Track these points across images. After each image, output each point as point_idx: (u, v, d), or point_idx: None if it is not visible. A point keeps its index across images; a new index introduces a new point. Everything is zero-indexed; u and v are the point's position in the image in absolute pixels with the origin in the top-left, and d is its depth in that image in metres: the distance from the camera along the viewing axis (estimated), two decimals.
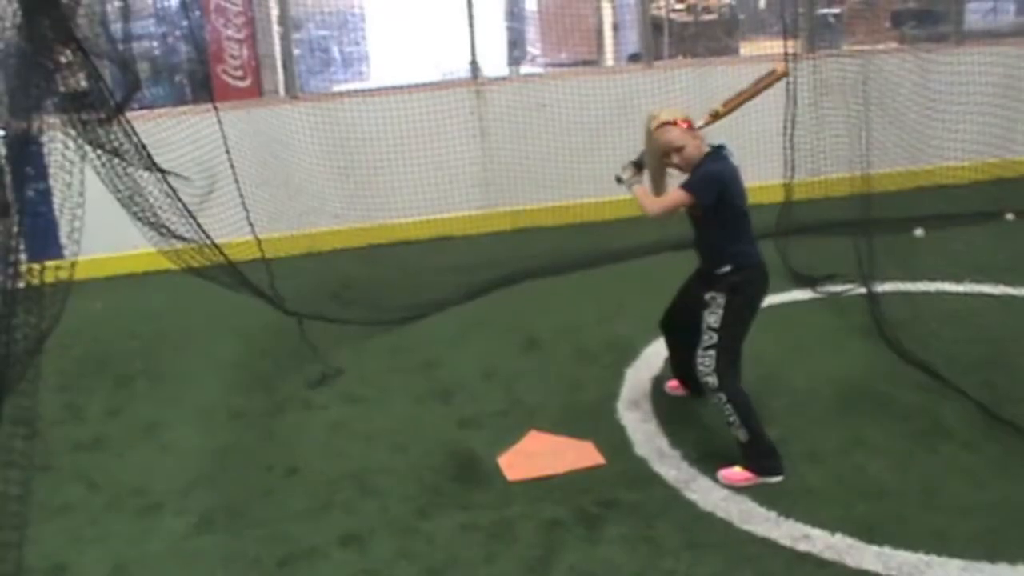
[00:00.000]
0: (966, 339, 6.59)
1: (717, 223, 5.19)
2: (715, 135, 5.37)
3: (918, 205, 9.48)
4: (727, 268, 5.18)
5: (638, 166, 5.43)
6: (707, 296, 5.22)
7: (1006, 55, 10.06)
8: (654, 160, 5.30)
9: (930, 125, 9.63)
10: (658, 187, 5.39)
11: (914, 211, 9.24)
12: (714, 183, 5.09)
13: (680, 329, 5.67)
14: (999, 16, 12.11)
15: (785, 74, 5.55)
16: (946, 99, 9.60)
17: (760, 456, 5.14)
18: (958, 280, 7.70)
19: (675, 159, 5.19)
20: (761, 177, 7.85)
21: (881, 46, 11.15)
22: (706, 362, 5.14)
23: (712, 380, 5.11)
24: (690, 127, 5.19)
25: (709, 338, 5.15)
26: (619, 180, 5.46)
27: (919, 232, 9.01)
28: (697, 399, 5.86)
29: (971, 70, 9.60)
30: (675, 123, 5.17)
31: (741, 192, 5.18)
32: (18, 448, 3.99)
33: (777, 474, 5.12)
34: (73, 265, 4.53)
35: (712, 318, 5.17)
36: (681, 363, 5.85)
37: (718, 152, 5.22)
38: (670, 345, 6.00)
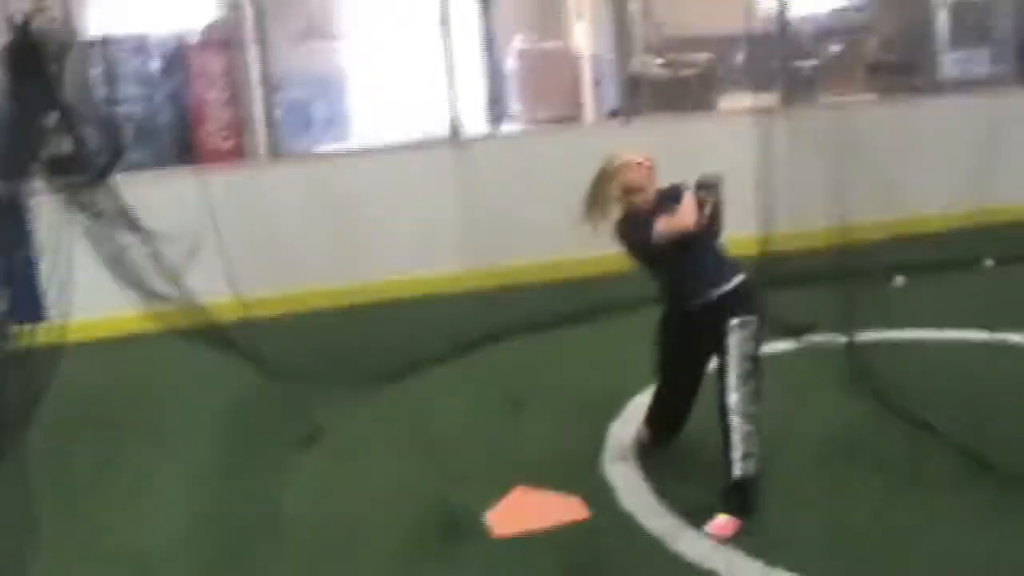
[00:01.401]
0: (949, 386, 6.63)
1: (713, 233, 5.26)
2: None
3: (897, 253, 9.55)
4: (740, 278, 5.23)
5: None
6: (735, 321, 5.19)
7: (981, 104, 10.20)
8: (605, 196, 5.33)
9: (908, 174, 9.74)
10: (603, 216, 5.44)
11: (894, 260, 9.31)
12: (685, 188, 5.20)
13: (688, 386, 5.71)
14: (975, 66, 12.25)
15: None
16: (923, 148, 9.73)
17: (752, 494, 5.16)
18: (939, 327, 7.75)
19: (638, 199, 5.24)
20: (738, 229, 7.90)
21: (857, 97, 11.27)
22: (748, 392, 5.14)
23: (754, 408, 5.13)
24: (653, 169, 5.27)
25: (748, 366, 5.16)
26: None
27: (899, 280, 9.08)
28: (682, 452, 5.89)
29: (948, 117, 9.72)
30: (641, 165, 5.24)
31: None
32: (11, 516, 3.99)
33: (756, 509, 5.15)
34: (63, 328, 4.56)
35: (748, 346, 5.17)
36: (680, 411, 5.89)
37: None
38: (673, 402, 5.95)
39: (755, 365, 5.19)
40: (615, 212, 5.42)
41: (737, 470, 5.14)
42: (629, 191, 5.23)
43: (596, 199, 5.40)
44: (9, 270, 4.17)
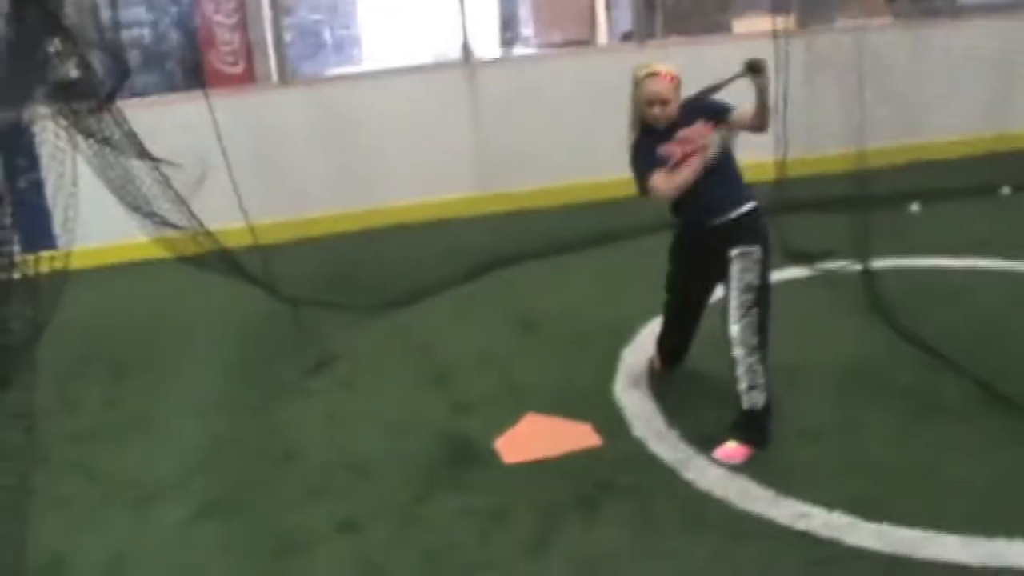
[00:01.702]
0: (963, 314, 6.58)
1: (731, 162, 5.21)
2: None
3: (914, 180, 9.46)
4: (750, 205, 5.17)
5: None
6: (736, 252, 5.11)
7: (1001, 29, 10.03)
8: (637, 109, 5.25)
9: (925, 100, 9.62)
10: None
11: (910, 186, 9.22)
12: (707, 100, 5.16)
13: (690, 310, 5.66)
14: None
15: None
16: (941, 73, 9.58)
17: (765, 424, 5.15)
18: (955, 255, 7.69)
19: (656, 111, 5.13)
20: (754, 155, 7.83)
21: (875, 21, 11.12)
22: (751, 322, 5.07)
23: (757, 339, 5.07)
24: (678, 83, 5.17)
25: (751, 297, 5.08)
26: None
27: (915, 207, 9.00)
28: (694, 380, 5.88)
29: (966, 44, 9.57)
30: (666, 75, 5.14)
31: None
32: (16, 441, 3.98)
33: (768, 443, 5.14)
34: (68, 255, 4.53)
35: (750, 275, 5.08)
36: (685, 340, 5.85)
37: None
38: (677, 329, 5.92)
39: (758, 296, 5.10)
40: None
41: (744, 402, 5.12)
42: (652, 102, 5.12)
43: (634, 120, 5.29)
44: (14, 196, 4.12)
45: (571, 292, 7.83)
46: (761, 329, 5.10)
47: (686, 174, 5.09)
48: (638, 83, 5.18)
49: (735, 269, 5.11)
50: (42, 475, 5.49)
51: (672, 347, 6.00)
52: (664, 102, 5.10)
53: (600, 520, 4.71)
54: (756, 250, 5.12)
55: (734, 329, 5.10)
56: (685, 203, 5.26)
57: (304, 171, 9.93)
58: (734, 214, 5.18)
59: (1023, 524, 4.32)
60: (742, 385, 5.10)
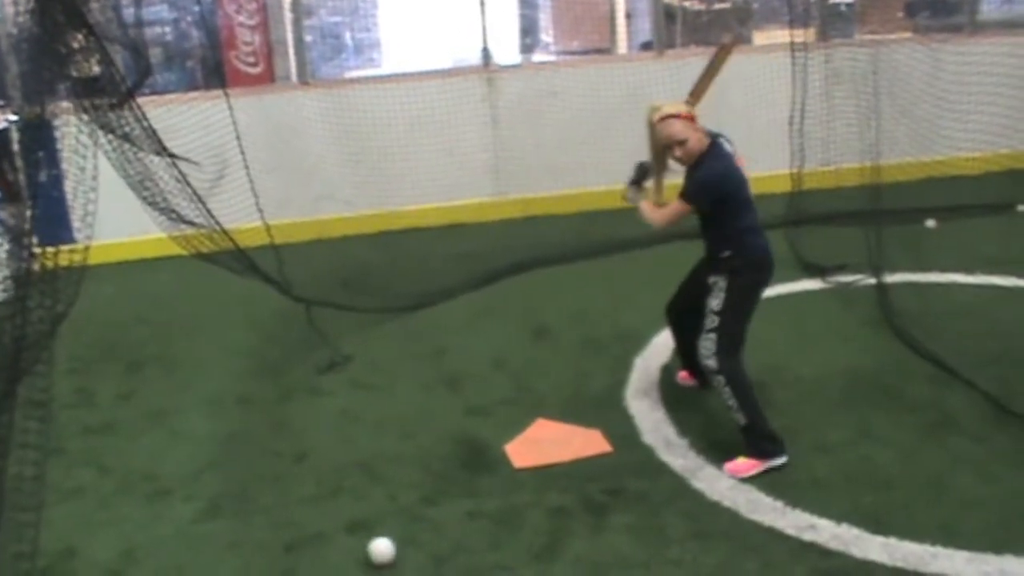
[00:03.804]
0: (976, 331, 6.58)
1: (717, 217, 5.21)
2: (726, 128, 5.37)
3: (929, 196, 9.45)
4: (727, 253, 5.19)
5: (642, 173, 5.51)
6: (709, 280, 5.24)
7: (1020, 45, 10.02)
8: (656, 152, 5.31)
9: (942, 115, 9.61)
10: (659, 177, 5.44)
11: (925, 202, 9.21)
12: (710, 189, 5.13)
13: (687, 315, 5.66)
14: (1014, 6, 12.06)
15: (735, 43, 5.60)
16: (959, 89, 9.57)
17: (761, 439, 5.16)
18: (969, 272, 7.69)
19: (677, 152, 5.17)
20: (770, 167, 7.86)
21: (894, 36, 11.11)
22: (707, 345, 5.16)
23: (712, 363, 5.14)
24: (692, 120, 5.19)
25: (711, 321, 5.18)
26: (626, 198, 5.58)
27: (931, 223, 8.99)
28: (705, 389, 5.89)
29: (984, 60, 9.56)
30: (678, 116, 5.16)
31: (740, 184, 5.19)
32: (33, 430, 4.01)
33: (780, 456, 5.15)
34: (86, 249, 4.55)
35: (714, 302, 5.19)
36: (687, 352, 5.85)
37: (716, 144, 5.21)
38: (676, 333, 5.97)
39: (719, 323, 5.17)
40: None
41: (735, 418, 5.18)
42: (670, 145, 5.17)
43: (656, 164, 5.41)
44: (34, 190, 4.15)
45: (584, 299, 7.84)
46: (717, 355, 5.15)
47: (646, 210, 5.44)
48: (652, 127, 5.22)
49: (707, 294, 5.26)
50: (57, 466, 5.53)
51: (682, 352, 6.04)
52: (680, 143, 5.14)
53: (609, 526, 4.73)
54: (722, 279, 5.21)
55: (701, 352, 5.25)
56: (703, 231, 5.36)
57: (322, 171, 9.95)
58: (723, 255, 5.29)
59: None
60: (725, 403, 5.21)
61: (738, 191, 5.17)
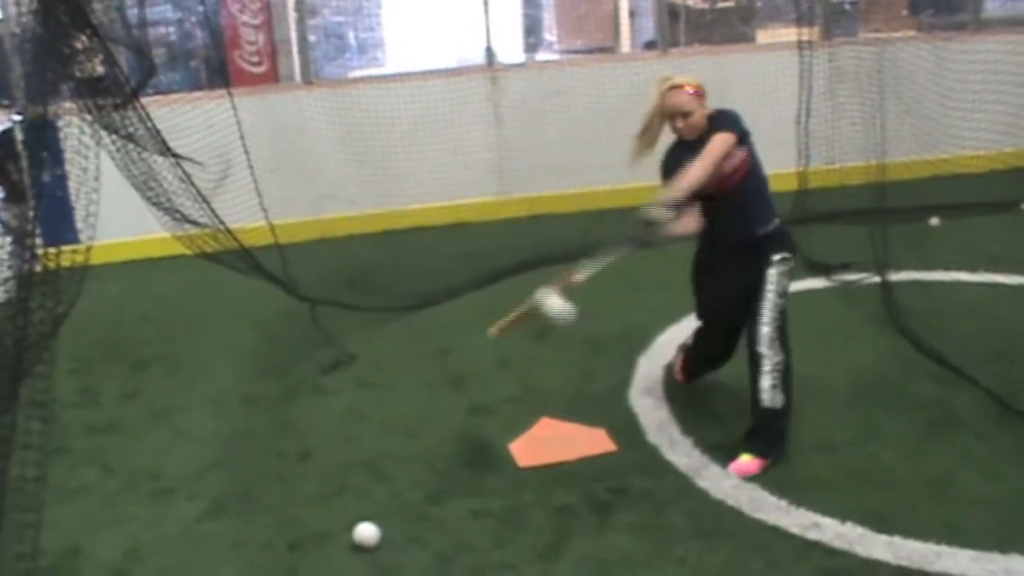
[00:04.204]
0: (981, 330, 6.58)
1: (753, 175, 5.16)
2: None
3: (934, 194, 9.44)
4: (776, 223, 5.20)
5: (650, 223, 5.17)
6: (776, 258, 5.16)
7: None
8: (656, 121, 5.23)
9: (947, 114, 9.61)
10: (648, 145, 5.29)
11: (930, 200, 9.21)
12: (737, 119, 5.09)
13: (727, 326, 5.60)
14: (1018, 4, 12.05)
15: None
16: (963, 87, 9.57)
17: (780, 428, 5.15)
18: (973, 270, 7.68)
19: (679, 123, 5.13)
20: (775, 165, 7.83)
21: (898, 34, 11.11)
22: (769, 333, 5.10)
23: (779, 347, 5.11)
24: (701, 97, 5.16)
25: (776, 306, 5.13)
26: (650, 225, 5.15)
27: (935, 221, 8.98)
28: (709, 388, 5.91)
29: (989, 58, 9.55)
30: (687, 88, 5.13)
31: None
32: (35, 430, 4.01)
33: (783, 451, 5.15)
34: (89, 249, 4.55)
35: (785, 281, 5.16)
36: (727, 350, 5.75)
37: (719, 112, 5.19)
38: (709, 339, 5.78)
39: (784, 302, 5.15)
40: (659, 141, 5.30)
41: (765, 400, 5.10)
42: (672, 116, 5.13)
43: (644, 127, 5.28)
44: (37, 190, 4.15)
45: (588, 298, 7.80)
46: (787, 335, 5.16)
47: (685, 178, 4.98)
48: (660, 96, 5.18)
49: (773, 274, 5.17)
50: (61, 466, 5.54)
51: (708, 364, 5.95)
52: (685, 115, 5.10)
53: (613, 525, 4.72)
54: (792, 258, 5.24)
55: (765, 331, 5.11)
56: (722, 218, 5.24)
57: (326, 171, 9.95)
58: (772, 226, 5.22)
59: None
60: (765, 382, 5.10)
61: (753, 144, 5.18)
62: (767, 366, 5.10)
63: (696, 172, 4.94)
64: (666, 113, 5.16)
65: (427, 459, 5.50)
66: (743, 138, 5.10)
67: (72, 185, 4.66)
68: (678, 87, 5.12)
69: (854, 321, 6.97)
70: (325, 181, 10.00)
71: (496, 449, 5.55)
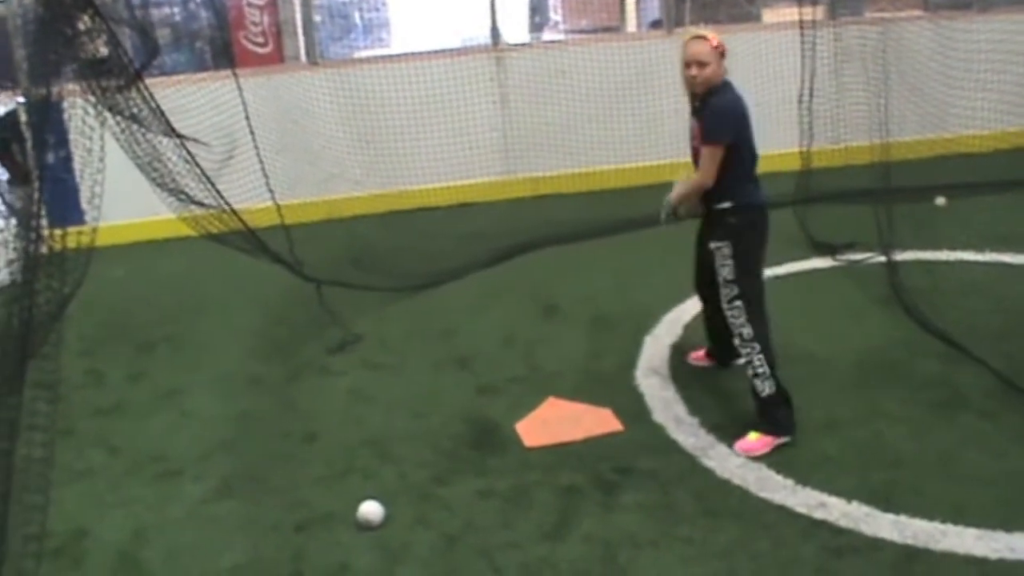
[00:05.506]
0: (986, 309, 6.57)
1: (725, 159, 5.14)
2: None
3: (939, 174, 9.42)
4: (727, 204, 5.18)
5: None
6: (712, 246, 5.23)
7: None
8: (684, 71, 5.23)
9: (951, 93, 9.59)
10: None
11: (935, 180, 9.19)
12: (727, 117, 5.11)
13: (710, 289, 5.62)
14: None
15: None
16: (968, 67, 9.54)
17: (780, 409, 5.15)
18: (979, 249, 7.67)
19: (693, 71, 5.11)
20: (780, 145, 7.82)
21: (903, 14, 11.06)
22: (735, 314, 5.16)
23: (747, 331, 5.13)
24: (722, 52, 5.15)
25: (730, 291, 5.17)
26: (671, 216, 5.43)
27: (940, 201, 8.97)
28: (719, 368, 5.91)
29: (993, 38, 9.52)
30: (711, 39, 5.13)
31: (748, 122, 5.17)
32: (41, 411, 4.01)
33: (790, 431, 5.14)
34: (94, 231, 4.56)
35: (725, 270, 5.18)
36: (715, 328, 5.77)
37: (729, 82, 5.19)
38: (705, 310, 5.88)
39: (739, 289, 5.17)
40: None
41: (756, 387, 5.15)
42: (688, 63, 5.13)
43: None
44: (42, 172, 4.15)
45: (594, 278, 7.84)
46: (751, 321, 5.14)
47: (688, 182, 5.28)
48: (684, 44, 5.19)
49: (716, 262, 5.23)
50: (67, 447, 5.56)
51: (711, 336, 5.99)
52: (701, 64, 5.10)
53: (619, 505, 4.73)
54: (725, 245, 5.18)
55: (726, 318, 5.23)
56: None
57: (331, 151, 9.94)
58: (721, 205, 5.21)
59: None
60: (748, 372, 5.17)
61: (747, 128, 5.15)
62: (748, 357, 5.17)
63: (694, 183, 5.21)
64: (685, 59, 5.16)
65: (433, 439, 5.51)
66: (722, 136, 5.12)
67: (77, 166, 4.66)
68: (702, 37, 5.13)
69: (859, 301, 6.96)
70: (330, 162, 9.99)
71: (502, 429, 5.56)
